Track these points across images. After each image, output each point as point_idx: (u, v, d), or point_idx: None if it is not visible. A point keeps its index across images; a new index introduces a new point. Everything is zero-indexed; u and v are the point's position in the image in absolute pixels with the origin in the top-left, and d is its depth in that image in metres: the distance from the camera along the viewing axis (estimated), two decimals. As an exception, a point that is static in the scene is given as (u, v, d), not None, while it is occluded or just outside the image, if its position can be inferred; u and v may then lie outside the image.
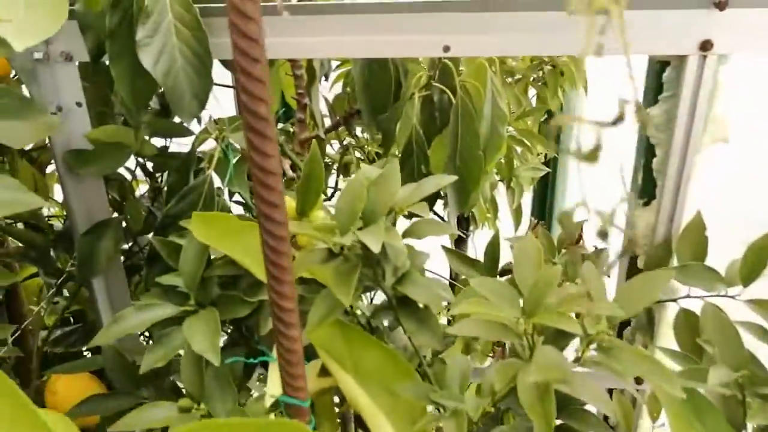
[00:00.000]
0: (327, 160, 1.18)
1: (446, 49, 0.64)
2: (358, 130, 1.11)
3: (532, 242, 0.47)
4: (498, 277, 0.69)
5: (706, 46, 0.63)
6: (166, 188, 0.67)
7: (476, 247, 1.23)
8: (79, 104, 0.67)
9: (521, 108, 1.21)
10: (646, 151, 0.77)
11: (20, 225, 0.82)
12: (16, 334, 0.88)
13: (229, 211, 0.74)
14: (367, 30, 0.63)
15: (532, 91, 1.35)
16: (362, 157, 1.09)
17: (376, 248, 0.42)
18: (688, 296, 0.71)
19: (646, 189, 0.79)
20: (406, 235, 0.49)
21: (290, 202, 0.57)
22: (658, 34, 0.63)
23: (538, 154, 1.33)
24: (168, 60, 0.60)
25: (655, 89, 0.74)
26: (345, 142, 1.06)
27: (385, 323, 0.57)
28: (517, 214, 1.13)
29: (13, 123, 0.39)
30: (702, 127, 0.69)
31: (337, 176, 1.11)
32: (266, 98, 0.29)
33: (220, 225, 0.46)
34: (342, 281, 0.43)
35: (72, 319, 0.97)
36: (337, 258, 0.45)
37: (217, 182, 0.67)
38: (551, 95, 1.30)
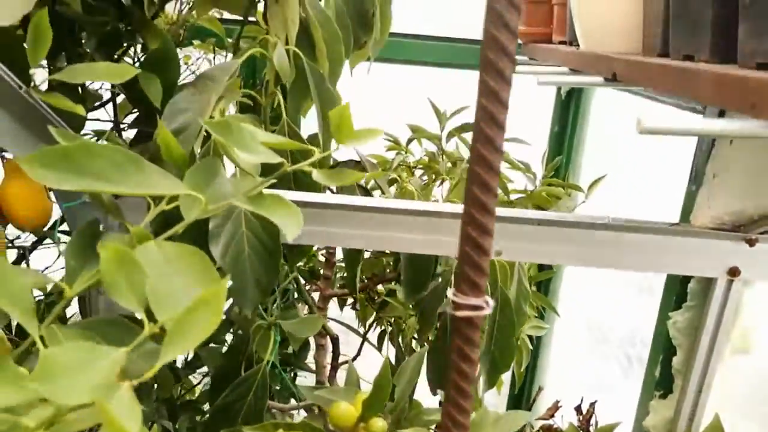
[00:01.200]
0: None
1: (498, 253, 0.68)
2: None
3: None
4: None
5: (734, 272, 0.68)
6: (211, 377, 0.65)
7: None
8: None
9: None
10: (665, 347, 0.81)
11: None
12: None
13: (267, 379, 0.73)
14: (426, 230, 0.67)
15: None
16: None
17: None
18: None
19: (663, 382, 0.82)
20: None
21: (348, 407, 0.57)
22: (690, 257, 0.68)
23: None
24: (236, 250, 0.61)
25: (676, 293, 0.79)
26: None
27: None
28: (520, 375, 1.14)
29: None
30: (726, 338, 0.74)
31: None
32: (476, 360, 0.30)
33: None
34: None
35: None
36: None
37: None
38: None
